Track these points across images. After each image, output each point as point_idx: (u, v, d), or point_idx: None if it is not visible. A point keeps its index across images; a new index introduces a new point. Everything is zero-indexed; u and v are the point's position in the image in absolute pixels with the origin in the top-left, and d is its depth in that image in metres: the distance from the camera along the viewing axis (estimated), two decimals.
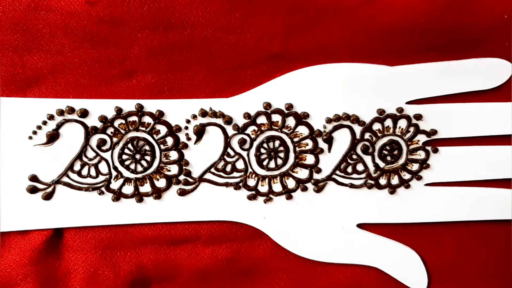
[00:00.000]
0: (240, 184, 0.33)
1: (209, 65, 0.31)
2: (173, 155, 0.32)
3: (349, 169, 0.33)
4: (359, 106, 0.32)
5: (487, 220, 0.34)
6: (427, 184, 0.34)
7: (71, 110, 0.31)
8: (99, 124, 0.31)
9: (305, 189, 0.33)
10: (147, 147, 0.32)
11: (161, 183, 0.32)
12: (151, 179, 0.32)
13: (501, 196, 0.34)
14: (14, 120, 0.30)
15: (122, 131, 0.31)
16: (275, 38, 0.31)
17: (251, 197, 0.33)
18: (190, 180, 0.32)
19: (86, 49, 0.30)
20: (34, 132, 0.31)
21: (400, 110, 0.32)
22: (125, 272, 0.33)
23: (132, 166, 0.32)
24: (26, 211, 0.31)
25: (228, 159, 0.32)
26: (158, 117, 0.31)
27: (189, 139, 0.32)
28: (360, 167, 0.33)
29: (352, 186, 0.33)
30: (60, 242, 0.33)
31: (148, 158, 0.32)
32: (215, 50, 0.31)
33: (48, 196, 0.31)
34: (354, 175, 0.33)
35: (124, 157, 0.32)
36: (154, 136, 0.32)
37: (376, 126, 0.33)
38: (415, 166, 0.33)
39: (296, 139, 0.32)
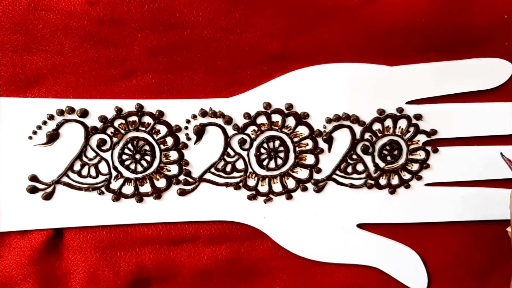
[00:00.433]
0: (240, 184, 0.33)
1: (209, 65, 0.31)
2: (173, 155, 0.32)
3: (349, 169, 0.33)
4: (359, 106, 0.32)
5: (487, 220, 0.34)
6: (427, 184, 0.34)
7: (71, 110, 0.31)
8: (99, 124, 0.31)
9: (305, 189, 0.33)
10: (147, 147, 0.32)
11: (161, 183, 0.32)
12: (151, 179, 0.32)
13: (501, 196, 0.34)
14: (14, 120, 0.30)
15: (122, 131, 0.31)
16: (275, 38, 0.31)
17: (251, 197, 0.33)
18: (190, 180, 0.32)
19: (86, 49, 0.30)
20: (34, 132, 0.31)
21: (400, 110, 0.32)
22: (125, 272, 0.33)
23: (132, 166, 0.32)
24: (26, 211, 0.31)
25: (228, 159, 0.32)
26: (158, 117, 0.31)
27: (189, 139, 0.32)
28: (360, 167, 0.33)
29: (352, 186, 0.33)
30: (60, 242, 0.33)
31: (148, 158, 0.32)
32: (215, 50, 0.31)
33: (48, 196, 0.31)
34: (354, 175, 0.33)
35: (124, 157, 0.32)
36: (154, 136, 0.32)
37: (376, 126, 0.33)
38: (415, 166, 0.33)
39: (296, 139, 0.32)
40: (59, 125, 0.31)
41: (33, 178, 0.31)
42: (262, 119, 0.32)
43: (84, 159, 0.31)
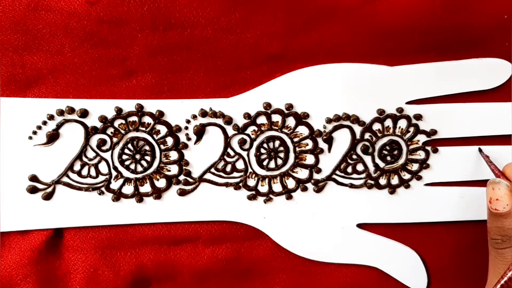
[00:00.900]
0: (240, 184, 0.33)
1: (209, 65, 0.31)
2: (173, 155, 0.32)
3: (349, 169, 0.33)
4: (359, 106, 0.32)
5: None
6: (427, 184, 0.34)
7: (71, 110, 0.31)
8: (99, 124, 0.31)
9: (305, 189, 0.33)
10: (147, 147, 0.32)
11: (161, 183, 0.32)
12: (151, 179, 0.32)
13: None
14: (14, 120, 0.30)
15: (122, 131, 0.31)
16: (275, 38, 0.31)
17: (251, 197, 0.33)
18: (190, 180, 0.32)
19: (86, 49, 0.30)
20: (34, 132, 0.31)
21: (400, 110, 0.32)
22: (125, 272, 0.33)
23: (132, 166, 0.32)
24: (26, 211, 0.31)
25: (228, 159, 0.32)
26: (158, 117, 0.31)
27: (189, 139, 0.32)
28: (360, 167, 0.33)
29: (352, 186, 0.33)
30: (60, 242, 0.33)
31: (148, 158, 0.32)
32: (215, 50, 0.31)
33: (48, 196, 0.31)
34: (354, 175, 0.33)
35: (124, 157, 0.32)
36: (154, 136, 0.32)
37: (376, 126, 0.33)
38: (415, 166, 0.33)
39: (296, 139, 0.32)
40: (59, 125, 0.31)
41: (33, 178, 0.31)
42: (262, 119, 0.32)
43: (84, 159, 0.31)
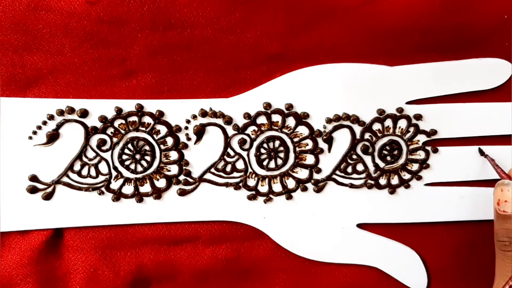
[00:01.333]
0: (240, 184, 0.33)
1: (209, 65, 0.31)
2: (173, 155, 0.32)
3: (349, 169, 0.33)
4: (359, 106, 0.32)
5: (487, 220, 0.34)
6: (427, 184, 0.34)
7: (71, 110, 0.31)
8: (99, 124, 0.31)
9: (305, 189, 0.33)
10: (147, 147, 0.32)
11: (161, 183, 0.32)
12: (151, 179, 0.32)
13: None
14: (14, 120, 0.30)
15: (122, 131, 0.31)
16: (275, 38, 0.31)
17: (251, 197, 0.33)
18: (190, 180, 0.32)
19: (86, 49, 0.30)
20: (34, 132, 0.31)
21: (400, 110, 0.32)
22: (125, 272, 0.33)
23: (132, 166, 0.32)
24: (26, 211, 0.31)
25: (228, 159, 0.32)
26: (158, 117, 0.31)
27: (189, 139, 0.32)
28: (360, 167, 0.33)
29: (352, 186, 0.33)
30: (60, 242, 0.33)
31: (148, 158, 0.32)
32: (215, 50, 0.31)
33: (48, 196, 0.31)
34: (354, 175, 0.33)
35: (124, 157, 0.32)
36: (154, 136, 0.32)
37: (376, 126, 0.33)
38: (415, 166, 0.33)
39: (296, 139, 0.32)
40: (59, 125, 0.31)
41: (33, 178, 0.31)
42: (262, 119, 0.32)
43: (84, 159, 0.31)
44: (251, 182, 0.33)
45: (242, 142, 0.32)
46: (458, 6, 0.31)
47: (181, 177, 0.32)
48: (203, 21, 0.30)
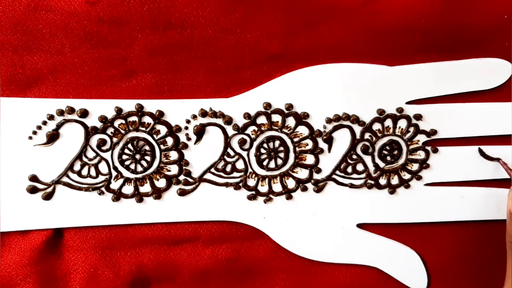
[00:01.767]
0: (240, 184, 0.33)
1: (209, 65, 0.31)
2: (173, 155, 0.32)
3: (349, 169, 0.33)
4: (359, 106, 0.32)
5: (487, 220, 0.34)
6: (427, 184, 0.34)
7: (71, 110, 0.31)
8: (99, 124, 0.31)
9: (305, 189, 0.33)
10: (147, 147, 0.32)
11: (161, 183, 0.32)
12: (151, 179, 0.32)
13: (501, 196, 0.34)
14: (14, 120, 0.30)
15: (122, 131, 0.31)
16: (275, 38, 0.31)
17: (251, 197, 0.33)
18: (190, 180, 0.32)
19: (86, 49, 0.30)
20: (34, 132, 0.31)
21: (400, 110, 0.32)
22: (125, 272, 0.33)
23: (132, 166, 0.32)
24: (26, 211, 0.31)
25: (228, 159, 0.32)
26: (158, 117, 0.31)
27: (189, 139, 0.32)
28: (360, 167, 0.33)
29: (352, 186, 0.33)
30: (60, 242, 0.33)
31: (148, 158, 0.32)
32: (215, 50, 0.31)
33: (48, 196, 0.31)
34: (354, 175, 0.33)
35: (124, 157, 0.32)
36: (154, 136, 0.32)
37: (376, 126, 0.33)
38: (415, 166, 0.33)
39: (296, 139, 0.32)
40: (59, 125, 0.31)
41: (33, 178, 0.31)
42: (262, 119, 0.32)
43: (84, 159, 0.31)
44: (251, 182, 0.33)
45: (242, 142, 0.32)
46: (458, 6, 0.31)
47: (181, 177, 0.32)
48: (203, 21, 0.30)
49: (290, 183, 0.33)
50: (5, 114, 0.30)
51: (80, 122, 0.31)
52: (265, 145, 0.32)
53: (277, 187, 0.33)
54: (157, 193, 0.32)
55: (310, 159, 0.33)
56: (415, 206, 0.34)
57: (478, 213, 0.34)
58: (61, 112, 0.30)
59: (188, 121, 0.32)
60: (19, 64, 0.30)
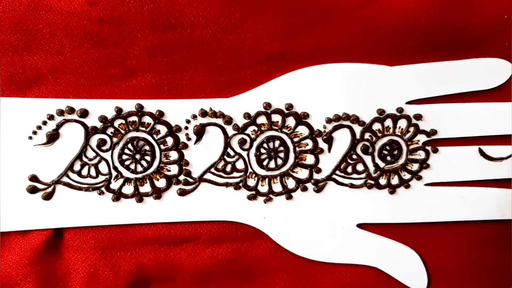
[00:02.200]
0: (240, 184, 0.33)
1: (209, 65, 0.31)
2: (173, 155, 0.32)
3: (349, 169, 0.33)
4: (359, 106, 0.32)
5: (487, 220, 0.34)
6: (427, 184, 0.34)
7: (71, 110, 0.31)
8: (99, 124, 0.31)
9: (305, 189, 0.33)
10: (147, 147, 0.32)
11: (161, 183, 0.32)
12: (151, 179, 0.32)
13: (501, 196, 0.34)
14: (14, 120, 0.30)
15: (122, 131, 0.31)
16: (275, 38, 0.31)
17: (251, 197, 0.33)
18: (190, 180, 0.32)
19: (86, 49, 0.30)
20: (34, 132, 0.31)
21: (400, 110, 0.32)
22: (125, 272, 0.33)
23: (132, 166, 0.32)
24: (26, 211, 0.31)
25: (228, 159, 0.32)
26: (158, 117, 0.31)
27: (189, 139, 0.32)
28: (360, 167, 0.33)
29: (352, 186, 0.33)
30: (60, 242, 0.33)
31: (148, 158, 0.32)
32: (215, 50, 0.31)
33: (48, 196, 0.31)
34: (354, 175, 0.33)
35: (124, 157, 0.32)
36: (154, 136, 0.32)
37: (376, 126, 0.33)
38: (415, 166, 0.33)
39: (296, 139, 0.32)
40: (59, 125, 0.31)
41: (33, 178, 0.31)
42: (262, 119, 0.32)
43: (84, 159, 0.31)
44: (251, 182, 0.33)
45: (242, 142, 0.32)
46: (458, 6, 0.31)
47: (181, 177, 0.32)
48: (203, 21, 0.30)
49: (290, 183, 0.33)
50: (5, 114, 0.30)
51: (80, 122, 0.31)
52: (265, 145, 0.32)
53: (277, 187, 0.33)
54: (157, 193, 0.32)
55: (310, 159, 0.33)
56: (415, 206, 0.34)
57: (478, 213, 0.34)
58: (61, 112, 0.30)
59: (188, 121, 0.32)
60: (19, 64, 0.30)
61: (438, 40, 0.32)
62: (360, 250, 0.34)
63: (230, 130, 0.32)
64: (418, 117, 0.32)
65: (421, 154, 0.33)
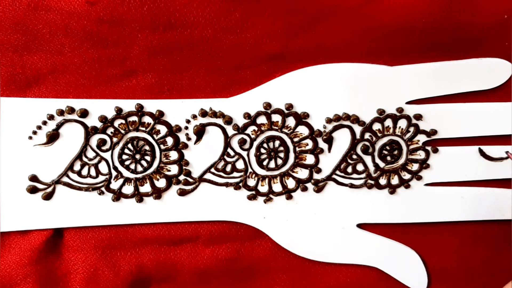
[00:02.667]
0: (240, 184, 0.33)
1: (209, 65, 0.31)
2: (173, 155, 0.32)
3: (349, 169, 0.33)
4: (359, 106, 0.32)
5: (487, 220, 0.34)
6: (427, 184, 0.34)
7: (71, 110, 0.31)
8: (99, 124, 0.31)
9: (305, 189, 0.33)
10: (147, 147, 0.32)
11: (161, 183, 0.32)
12: (151, 179, 0.32)
13: (501, 196, 0.34)
14: (14, 120, 0.30)
15: (122, 131, 0.31)
16: (275, 38, 0.31)
17: (251, 197, 0.33)
18: (190, 180, 0.32)
19: (86, 49, 0.30)
20: (34, 132, 0.31)
21: (400, 110, 0.32)
22: (125, 272, 0.33)
23: (132, 166, 0.32)
24: (26, 211, 0.31)
25: (228, 159, 0.32)
26: (158, 117, 0.31)
27: (189, 139, 0.32)
28: (360, 167, 0.33)
29: (352, 186, 0.33)
30: (60, 242, 0.33)
31: (148, 158, 0.32)
32: (215, 50, 0.31)
33: (48, 196, 0.31)
34: (354, 175, 0.33)
35: (124, 157, 0.32)
36: (154, 136, 0.32)
37: (376, 126, 0.33)
38: (415, 166, 0.33)
39: (296, 139, 0.32)
40: (59, 125, 0.31)
41: (33, 178, 0.31)
42: (262, 119, 0.32)
43: (84, 159, 0.31)
44: (251, 182, 0.33)
45: (242, 142, 0.32)
46: (458, 6, 0.31)
47: (181, 177, 0.32)
48: (203, 21, 0.30)
49: (290, 183, 0.33)
50: (5, 114, 0.30)
51: (80, 122, 0.31)
52: (265, 145, 0.32)
53: (277, 187, 0.33)
54: (157, 193, 0.32)
55: (310, 159, 0.33)
56: (415, 206, 0.34)
57: (478, 213, 0.34)
58: (61, 112, 0.30)
59: (188, 121, 0.32)
60: (19, 64, 0.30)
61: (438, 40, 0.32)
62: (360, 250, 0.34)
63: (230, 130, 0.32)
64: (418, 117, 0.32)
65: (421, 154, 0.33)
